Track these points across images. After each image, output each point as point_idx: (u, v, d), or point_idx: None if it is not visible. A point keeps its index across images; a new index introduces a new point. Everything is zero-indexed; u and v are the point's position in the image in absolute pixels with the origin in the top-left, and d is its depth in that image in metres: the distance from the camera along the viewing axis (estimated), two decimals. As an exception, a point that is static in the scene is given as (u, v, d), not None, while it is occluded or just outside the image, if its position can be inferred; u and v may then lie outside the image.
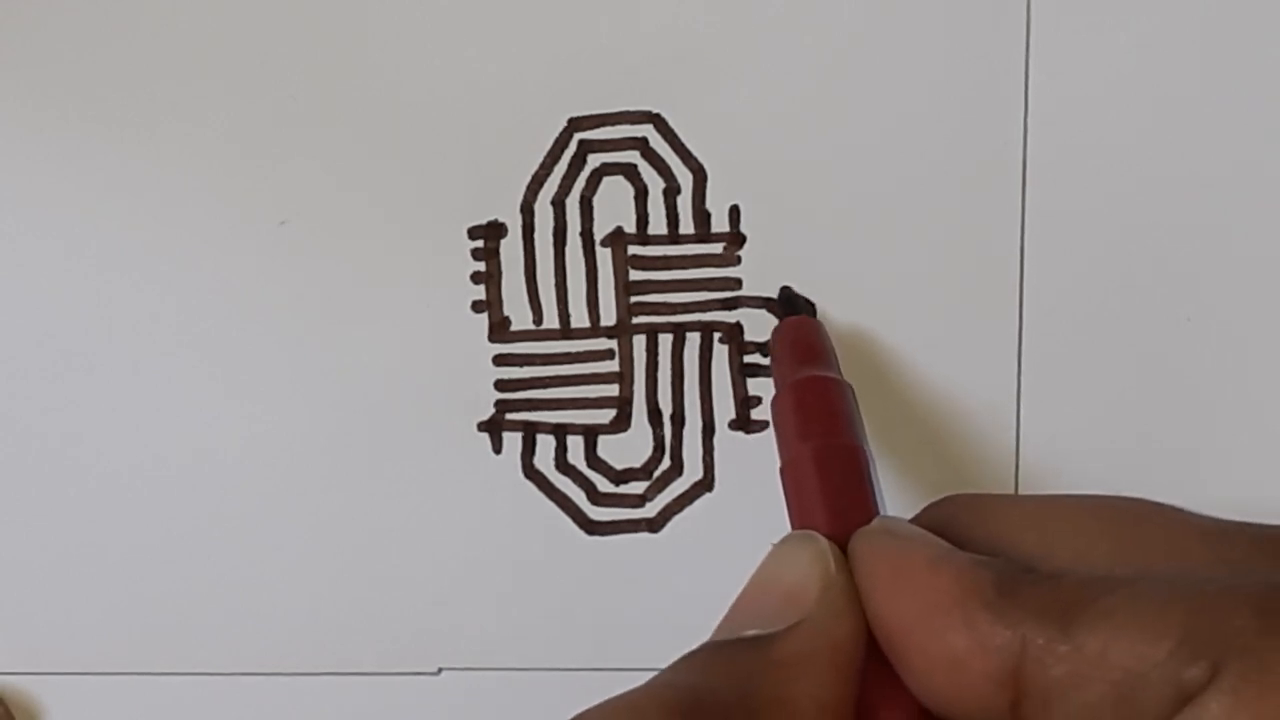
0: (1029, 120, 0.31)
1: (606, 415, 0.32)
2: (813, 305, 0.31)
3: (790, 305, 0.31)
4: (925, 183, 0.31)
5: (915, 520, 0.24)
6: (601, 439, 0.32)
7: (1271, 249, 0.31)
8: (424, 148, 0.32)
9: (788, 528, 0.32)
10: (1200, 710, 0.18)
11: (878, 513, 0.24)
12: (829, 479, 0.25)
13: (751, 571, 0.23)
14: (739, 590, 0.23)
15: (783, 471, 0.26)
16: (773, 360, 0.31)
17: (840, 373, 0.29)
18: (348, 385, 0.32)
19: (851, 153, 0.31)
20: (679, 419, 0.32)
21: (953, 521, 0.23)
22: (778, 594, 0.22)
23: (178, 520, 0.33)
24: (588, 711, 0.21)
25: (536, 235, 0.32)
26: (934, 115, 0.31)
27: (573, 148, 0.32)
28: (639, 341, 0.32)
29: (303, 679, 0.33)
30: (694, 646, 0.21)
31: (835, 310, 0.32)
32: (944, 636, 0.20)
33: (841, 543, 0.23)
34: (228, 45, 0.31)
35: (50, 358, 0.32)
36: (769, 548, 0.23)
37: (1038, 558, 0.21)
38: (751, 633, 0.21)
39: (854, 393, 0.28)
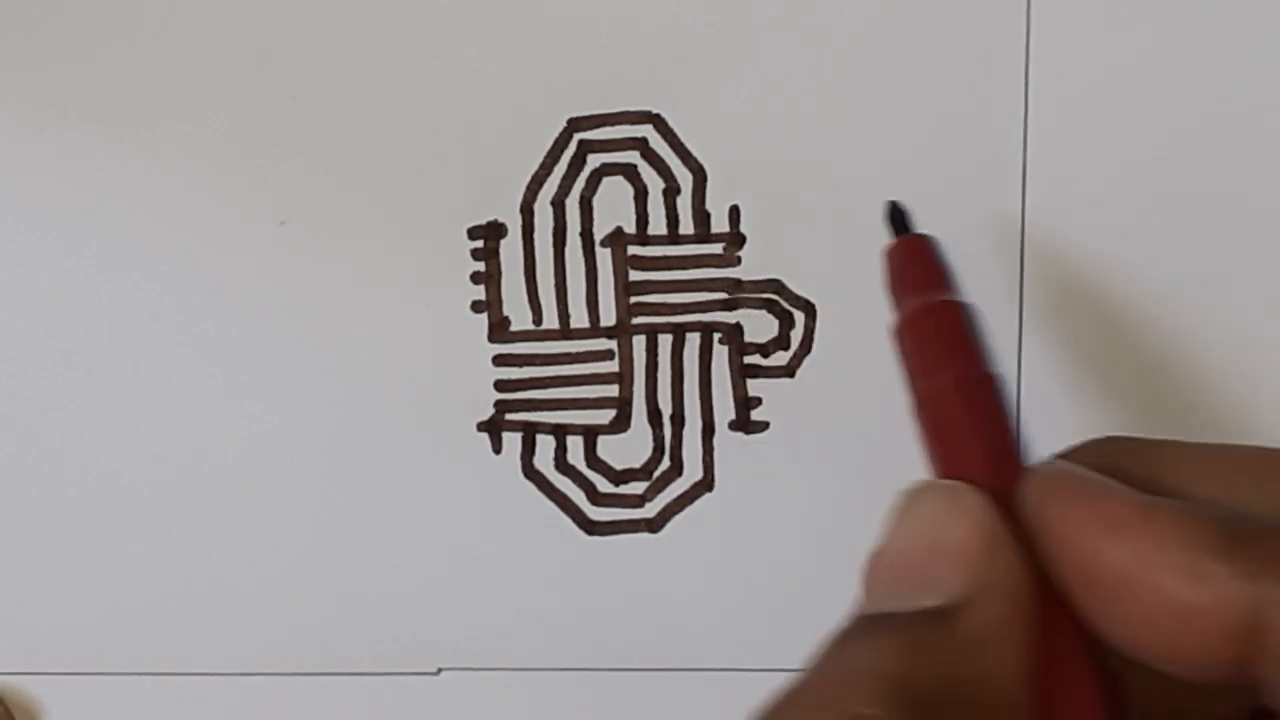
0: (1029, 120, 0.31)
1: (606, 415, 0.32)
2: (907, 213, 0.28)
3: (898, 221, 0.28)
4: (925, 183, 0.31)
5: (1073, 457, 0.22)
6: (601, 439, 0.32)
7: (1271, 249, 0.31)
8: (424, 148, 0.32)
9: (786, 529, 0.32)
10: None
11: (1030, 451, 0.23)
12: (976, 413, 0.23)
13: (885, 530, 0.21)
14: (882, 543, 0.21)
15: (922, 406, 0.24)
16: (890, 285, 0.27)
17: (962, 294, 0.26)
18: (348, 385, 0.32)
19: (851, 153, 0.31)
20: (679, 419, 0.32)
21: (1120, 466, 0.21)
22: (942, 555, 0.20)
23: (178, 520, 0.33)
24: (776, 708, 0.19)
25: (536, 235, 0.32)
26: (934, 115, 0.31)
27: (572, 148, 0.32)
28: (639, 342, 0.32)
29: (303, 679, 0.33)
30: (852, 617, 0.20)
31: (835, 310, 0.32)
32: (1171, 587, 0.19)
33: (994, 487, 0.21)
34: (228, 46, 0.31)
35: (50, 358, 0.32)
36: (903, 495, 0.22)
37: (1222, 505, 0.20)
38: (929, 603, 0.20)
39: (981, 315, 0.25)
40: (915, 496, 0.21)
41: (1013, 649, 0.20)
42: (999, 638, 0.20)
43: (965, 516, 0.21)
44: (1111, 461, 0.22)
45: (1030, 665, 0.20)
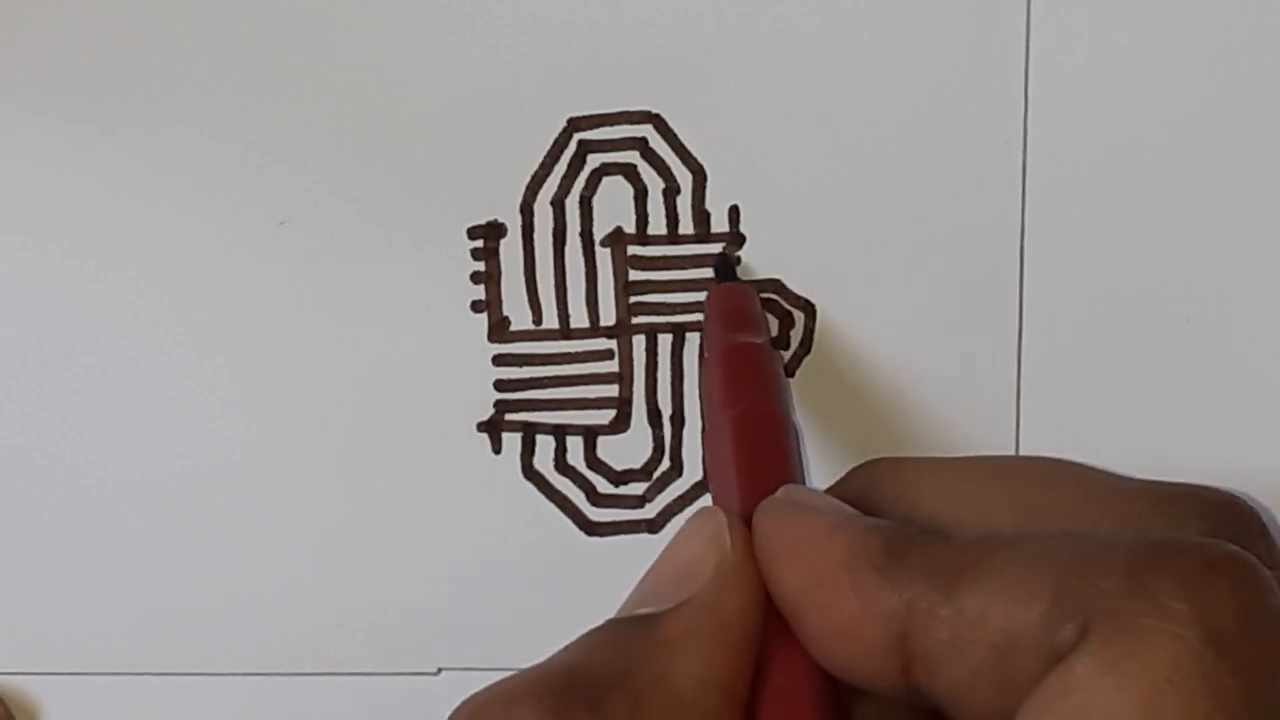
0: (1029, 120, 0.31)
1: (606, 416, 0.32)
2: (735, 264, 0.31)
3: (724, 270, 0.30)
4: (925, 183, 0.31)
5: (838, 485, 0.24)
6: (601, 439, 0.32)
7: (1271, 250, 0.31)
8: (424, 148, 0.32)
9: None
10: (1066, 672, 0.18)
11: (798, 483, 0.24)
12: (745, 448, 0.24)
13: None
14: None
15: (704, 440, 0.26)
16: (704, 327, 0.30)
17: (769, 340, 0.28)
18: (347, 385, 0.32)
19: (851, 153, 0.31)
20: (679, 419, 0.32)
21: (872, 487, 0.23)
22: (673, 572, 0.22)
23: (177, 520, 0.33)
24: (467, 701, 0.20)
25: (536, 235, 0.32)
26: (934, 115, 0.31)
27: (572, 148, 0.31)
28: (639, 342, 0.32)
29: (303, 679, 0.33)
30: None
31: (834, 310, 0.32)
32: (835, 603, 0.20)
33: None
34: (227, 46, 0.31)
35: (49, 358, 0.32)
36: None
37: (947, 521, 0.21)
38: (643, 611, 0.21)
39: (782, 361, 0.28)
40: (685, 523, 0.23)
41: (706, 660, 0.20)
42: (693, 644, 0.20)
43: (701, 537, 0.22)
44: (868, 484, 0.23)
45: (743, 681, 0.21)
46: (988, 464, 0.23)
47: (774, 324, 0.32)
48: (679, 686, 0.20)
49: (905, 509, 0.22)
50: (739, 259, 0.31)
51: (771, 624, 0.21)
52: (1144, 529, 0.20)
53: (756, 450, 0.24)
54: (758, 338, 0.28)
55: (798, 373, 0.32)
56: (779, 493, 0.23)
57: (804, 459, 0.25)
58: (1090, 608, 0.18)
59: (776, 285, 0.32)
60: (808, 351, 0.32)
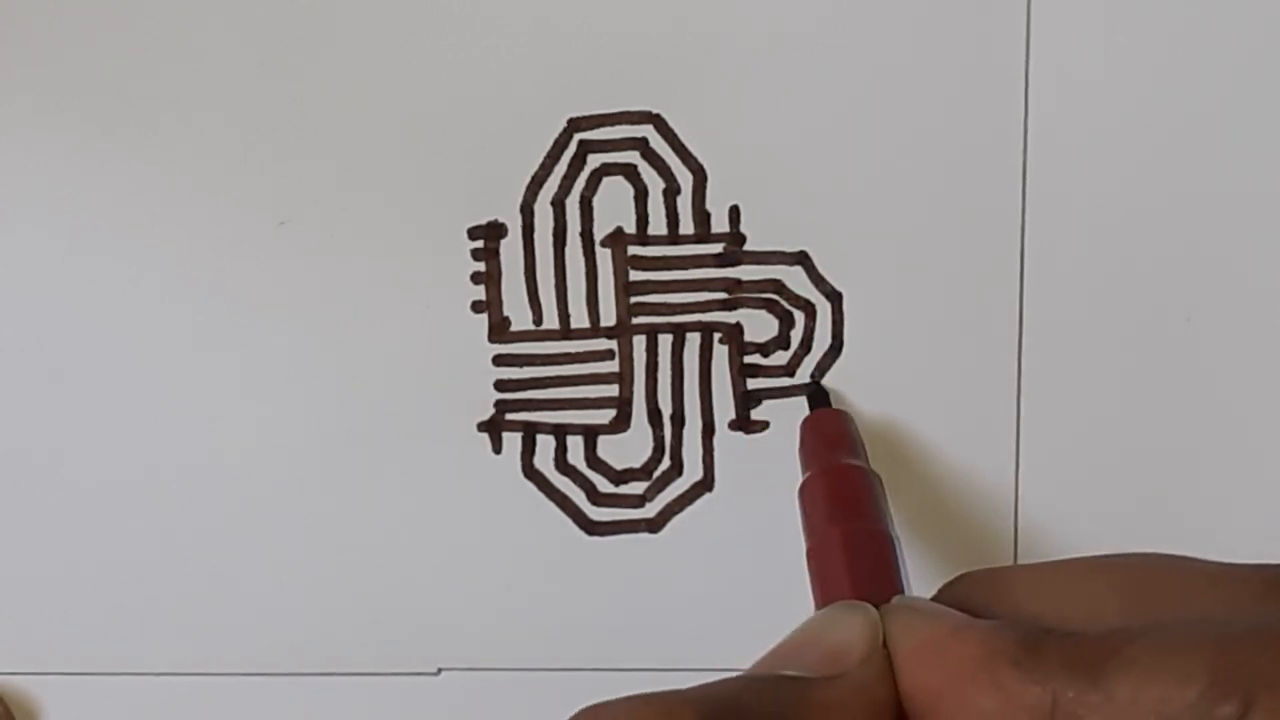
0: (1029, 120, 0.31)
1: (606, 415, 0.32)
2: (826, 393, 0.32)
3: (817, 397, 0.32)
4: (925, 183, 0.31)
5: (934, 599, 0.24)
6: (601, 439, 0.32)
7: (1271, 249, 0.31)
8: (424, 148, 0.32)
9: (786, 526, 0.32)
10: None
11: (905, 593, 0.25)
12: (857, 561, 0.26)
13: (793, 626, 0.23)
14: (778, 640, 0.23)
15: (810, 554, 0.27)
16: (802, 449, 0.31)
17: (869, 464, 0.30)
18: (347, 385, 0.32)
19: (851, 153, 0.31)
20: (679, 419, 0.32)
21: (968, 597, 0.23)
22: (821, 648, 0.22)
23: (177, 520, 0.33)
24: (615, 701, 0.21)
25: (536, 235, 0.32)
26: (934, 115, 0.31)
27: (573, 148, 0.32)
28: (639, 342, 0.32)
29: (303, 679, 0.33)
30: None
31: (835, 309, 0.32)
32: (973, 699, 0.21)
33: None
34: (228, 47, 0.31)
35: (48, 358, 0.32)
36: (812, 613, 0.24)
37: (1053, 621, 0.22)
38: (793, 673, 0.22)
39: (882, 483, 0.29)
40: (823, 611, 0.24)
41: None
42: (841, 714, 0.21)
43: (854, 624, 0.23)
44: (964, 596, 0.23)
45: None
46: (1083, 563, 0.23)
47: (774, 324, 0.32)
48: None
49: (1007, 615, 0.22)
50: (824, 393, 0.32)
51: None
52: (1272, 611, 0.21)
53: (870, 565, 0.26)
54: (858, 460, 0.29)
55: (798, 372, 0.32)
56: (895, 600, 0.24)
57: (906, 571, 0.26)
58: (1252, 683, 0.18)
59: (776, 285, 0.32)
60: (808, 351, 0.32)
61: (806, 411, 0.31)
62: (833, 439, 0.30)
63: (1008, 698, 0.20)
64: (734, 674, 0.22)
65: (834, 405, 0.32)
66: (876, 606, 0.23)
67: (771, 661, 0.23)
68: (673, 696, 0.21)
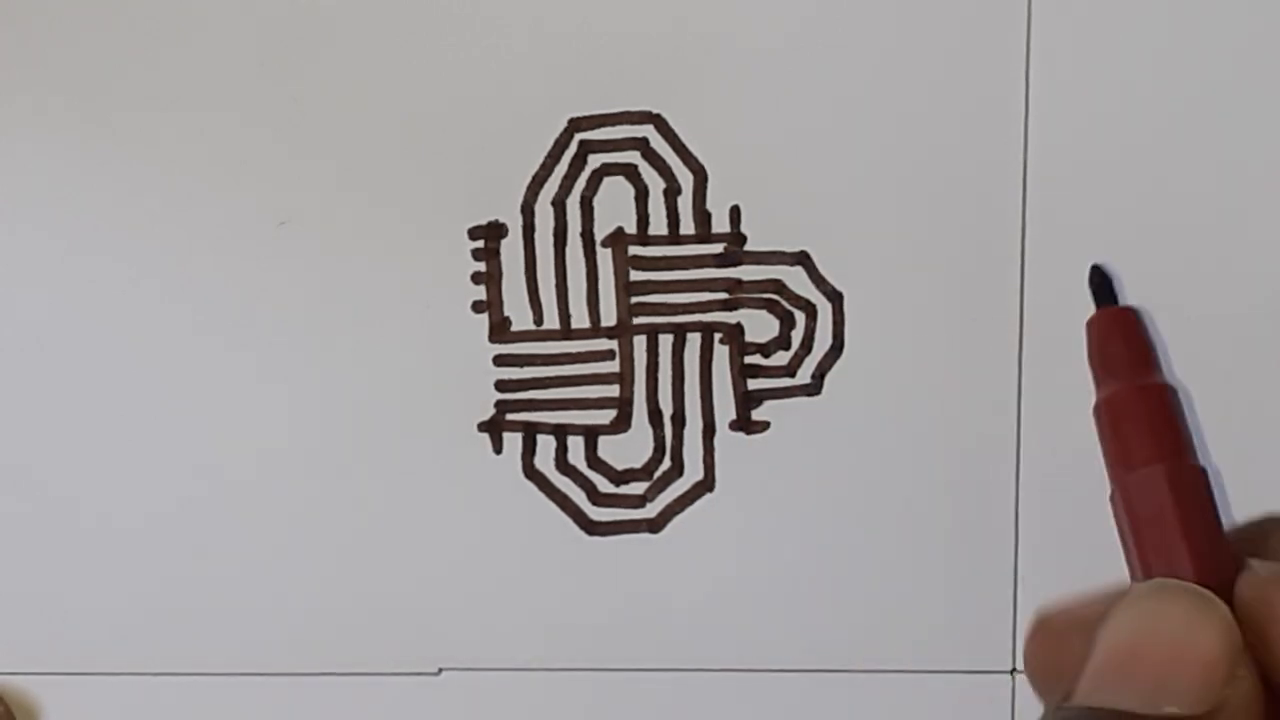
0: (1029, 120, 0.31)
1: (607, 416, 0.32)
2: (1111, 283, 0.28)
3: (1103, 291, 0.28)
4: (925, 183, 0.31)
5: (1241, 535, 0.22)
6: (602, 439, 0.32)
7: (1272, 249, 0.31)
8: (424, 148, 0.32)
9: (787, 529, 0.32)
10: None
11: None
12: (1187, 511, 0.23)
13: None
14: (1116, 635, 0.20)
15: (1119, 494, 0.24)
16: (1093, 360, 0.27)
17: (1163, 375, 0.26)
18: (348, 385, 0.32)
19: (851, 153, 0.31)
20: (679, 419, 0.32)
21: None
22: (1188, 662, 0.20)
23: (177, 521, 0.33)
24: None
25: (537, 235, 0.32)
26: (934, 115, 0.31)
27: (573, 148, 0.31)
28: (639, 342, 0.32)
29: (303, 679, 0.33)
30: (1088, 708, 0.20)
31: (836, 310, 0.32)
32: None
33: (1206, 584, 0.21)
34: (228, 47, 0.31)
35: (50, 358, 0.32)
36: (1133, 591, 0.21)
37: None
38: (1171, 711, 0.19)
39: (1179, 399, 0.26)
40: (1158, 595, 0.21)
41: None
42: None
43: (1215, 625, 0.20)
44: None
45: None
46: None
47: (775, 324, 0.32)
48: None
49: None
50: (1113, 278, 0.28)
51: None
52: None
53: (1199, 515, 0.23)
54: (1159, 375, 0.26)
55: (798, 373, 0.32)
56: (1258, 566, 0.21)
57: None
58: None
59: (776, 285, 0.32)
60: (808, 351, 0.32)
61: (812, 410, 0.31)
62: (1132, 348, 0.26)
63: None
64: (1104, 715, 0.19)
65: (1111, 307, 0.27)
66: (1212, 568, 0.21)
67: (1127, 681, 0.20)
68: None
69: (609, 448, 0.32)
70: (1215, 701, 0.19)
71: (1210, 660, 0.20)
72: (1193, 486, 0.23)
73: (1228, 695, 0.19)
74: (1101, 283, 0.28)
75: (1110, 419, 0.25)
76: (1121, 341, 0.26)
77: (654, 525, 0.32)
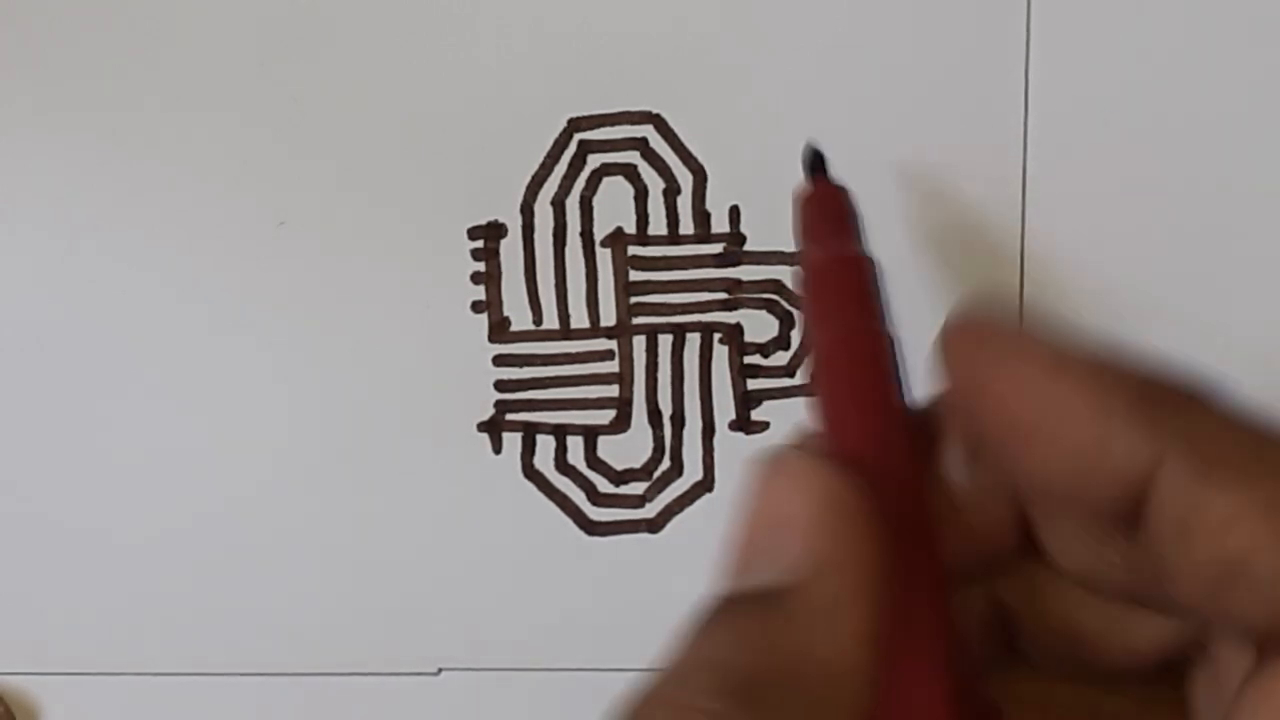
0: (1029, 120, 0.31)
1: (606, 416, 0.32)
2: (823, 159, 0.28)
3: (816, 165, 0.28)
4: (925, 183, 0.31)
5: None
6: (601, 439, 0.32)
7: (1272, 249, 0.31)
8: (424, 148, 0.32)
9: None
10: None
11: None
12: (861, 373, 0.23)
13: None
14: (742, 518, 0.21)
15: (812, 360, 0.24)
16: (798, 231, 0.27)
17: (864, 245, 0.26)
18: (347, 385, 0.32)
19: (851, 152, 0.31)
20: (679, 419, 0.32)
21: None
22: (782, 528, 0.20)
23: (178, 520, 0.33)
24: (638, 708, 0.19)
25: (536, 235, 0.32)
26: (934, 115, 0.31)
27: (573, 148, 0.32)
28: (639, 342, 0.32)
29: (303, 679, 0.33)
30: (709, 598, 0.20)
31: (835, 310, 0.32)
32: (1076, 438, 0.19)
33: (866, 448, 0.21)
34: (228, 47, 0.31)
35: (49, 358, 0.32)
36: (762, 464, 0.21)
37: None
38: (764, 583, 0.19)
39: (881, 270, 0.25)
40: (771, 466, 0.21)
41: (850, 630, 0.19)
42: (834, 618, 0.19)
43: (807, 487, 0.20)
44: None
45: (881, 650, 0.19)
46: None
47: (774, 324, 0.32)
48: (829, 664, 0.19)
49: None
50: (825, 156, 0.28)
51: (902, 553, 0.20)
52: None
53: (874, 375, 0.23)
54: (860, 247, 0.26)
55: (798, 372, 0.32)
56: (966, 313, 0.21)
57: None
58: None
59: (776, 285, 0.32)
60: (808, 351, 0.32)
61: (805, 403, 0.31)
62: (836, 221, 0.26)
63: (1114, 446, 0.19)
64: (713, 610, 0.19)
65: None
66: (880, 426, 0.21)
67: (740, 568, 0.20)
68: (681, 691, 0.18)
69: (608, 448, 0.32)
70: (805, 565, 0.19)
71: (795, 523, 0.20)
72: (871, 351, 0.23)
73: (822, 557, 0.19)
74: (815, 159, 0.28)
75: (805, 284, 0.25)
76: (824, 213, 0.26)
77: (653, 525, 0.32)
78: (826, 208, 0.27)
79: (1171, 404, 0.19)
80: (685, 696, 0.18)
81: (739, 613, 0.19)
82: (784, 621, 0.19)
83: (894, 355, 0.23)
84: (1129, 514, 0.19)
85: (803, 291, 0.25)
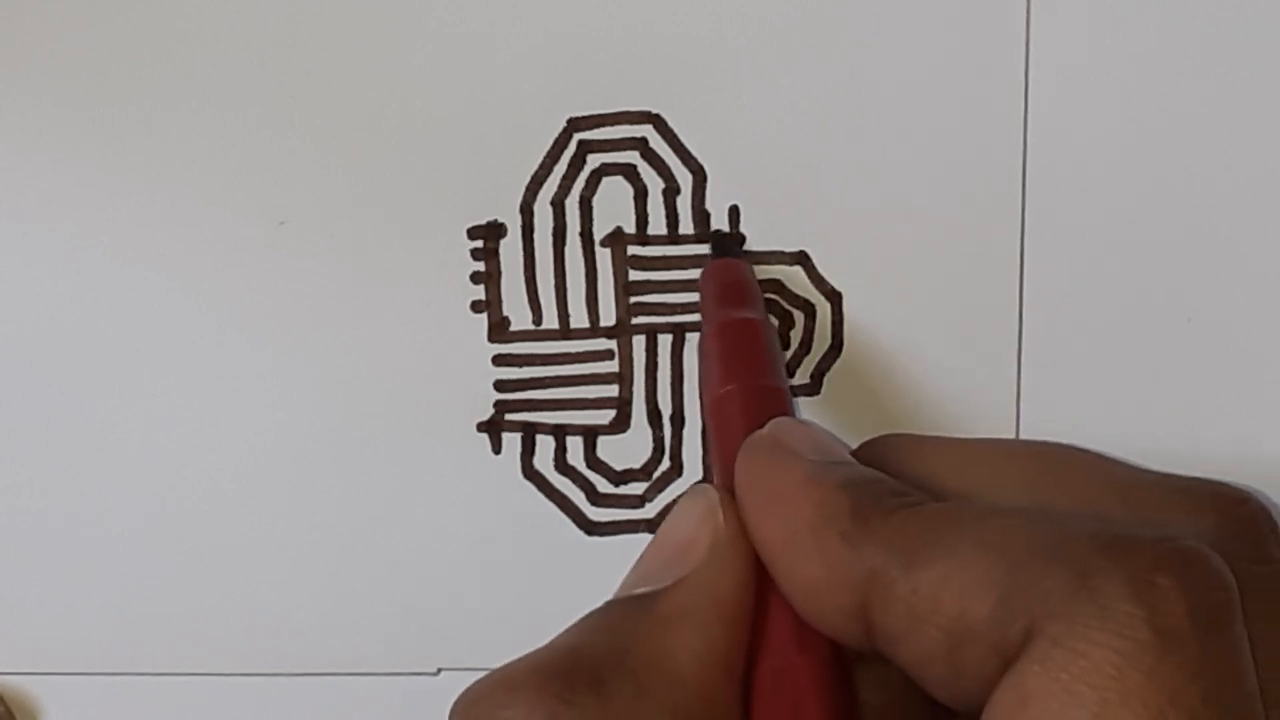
0: (1029, 120, 0.31)
1: (606, 416, 0.32)
2: (742, 239, 0.31)
3: (720, 246, 0.31)
4: (924, 183, 0.31)
5: (853, 453, 0.23)
6: (601, 439, 0.32)
7: (1272, 249, 0.31)
8: (424, 148, 0.32)
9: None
10: (1019, 681, 0.18)
11: None
12: (751, 419, 0.24)
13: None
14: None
15: (704, 413, 0.26)
16: (701, 301, 0.30)
17: (764, 313, 0.29)
18: (347, 385, 0.32)
19: (851, 153, 0.31)
20: (679, 420, 0.32)
21: (884, 460, 0.23)
22: (669, 550, 0.22)
23: (178, 520, 0.33)
24: (468, 690, 0.21)
25: (536, 235, 0.32)
26: (934, 115, 0.31)
27: (572, 148, 0.31)
28: (638, 342, 0.32)
29: (303, 679, 0.33)
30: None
31: (834, 311, 0.32)
32: (801, 564, 0.20)
33: None
34: (227, 45, 0.31)
35: (49, 358, 0.32)
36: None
37: (953, 493, 0.21)
38: (640, 590, 0.21)
39: (776, 331, 0.28)
40: (686, 495, 0.23)
41: (703, 636, 0.20)
42: (689, 621, 0.20)
43: (695, 514, 0.22)
44: (881, 456, 0.23)
45: (740, 653, 0.21)
46: (1003, 447, 0.23)
47: (774, 324, 0.32)
48: (679, 663, 0.20)
49: (916, 484, 0.22)
50: (741, 237, 0.31)
51: (769, 591, 0.21)
52: (1170, 523, 0.20)
53: (757, 422, 0.24)
54: (754, 312, 0.28)
55: (798, 372, 0.32)
56: (767, 427, 0.23)
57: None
58: (1036, 608, 0.18)
59: (776, 285, 0.32)
60: (808, 351, 0.32)
61: (811, 410, 0.31)
62: (728, 291, 0.29)
63: (830, 570, 0.20)
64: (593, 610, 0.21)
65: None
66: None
67: (629, 581, 0.22)
68: (516, 669, 0.20)
69: (608, 448, 0.32)
70: (674, 578, 0.21)
71: (679, 542, 0.22)
72: (762, 402, 0.25)
73: (689, 572, 0.21)
74: (719, 240, 0.31)
75: (704, 349, 0.28)
76: (724, 286, 0.29)
77: (653, 525, 0.32)
78: (729, 277, 0.29)
79: (881, 511, 0.20)
80: (529, 675, 0.20)
81: (613, 609, 0.21)
82: (648, 619, 0.20)
83: (794, 412, 0.25)
84: (867, 632, 0.20)
85: (706, 352, 0.28)
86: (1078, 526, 0.19)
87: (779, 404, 0.25)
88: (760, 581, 0.21)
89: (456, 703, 0.21)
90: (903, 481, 0.22)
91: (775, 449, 0.22)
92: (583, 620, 0.21)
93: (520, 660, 0.20)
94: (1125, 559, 0.18)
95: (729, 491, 0.23)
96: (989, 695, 0.18)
